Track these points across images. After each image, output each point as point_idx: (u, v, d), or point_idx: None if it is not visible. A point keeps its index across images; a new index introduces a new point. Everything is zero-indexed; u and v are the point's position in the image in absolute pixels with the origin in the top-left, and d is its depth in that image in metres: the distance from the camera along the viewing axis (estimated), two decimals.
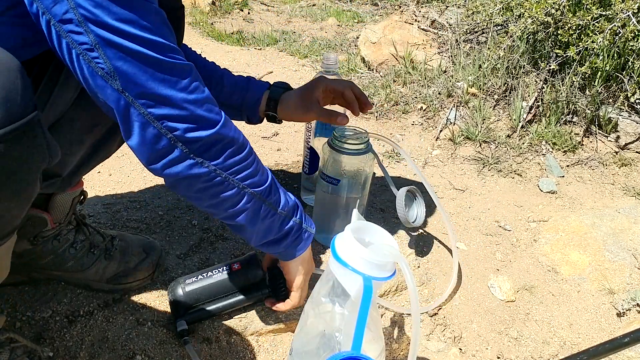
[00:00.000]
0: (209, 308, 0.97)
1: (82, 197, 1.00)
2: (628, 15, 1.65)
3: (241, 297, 0.98)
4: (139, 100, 0.66)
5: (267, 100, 1.10)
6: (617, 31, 1.67)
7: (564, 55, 1.75)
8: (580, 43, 1.70)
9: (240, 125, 1.74)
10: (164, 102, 0.67)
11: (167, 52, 0.67)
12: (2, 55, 0.59)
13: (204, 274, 0.98)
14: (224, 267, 0.99)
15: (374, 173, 1.40)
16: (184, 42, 0.99)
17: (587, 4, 1.74)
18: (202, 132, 0.70)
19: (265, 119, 1.14)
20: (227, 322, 1.00)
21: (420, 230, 1.29)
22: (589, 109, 1.76)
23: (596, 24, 1.70)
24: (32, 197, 0.67)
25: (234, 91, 1.11)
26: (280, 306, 0.97)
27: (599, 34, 1.66)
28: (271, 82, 1.14)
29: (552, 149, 1.73)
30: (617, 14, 1.66)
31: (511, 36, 1.91)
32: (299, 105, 1.07)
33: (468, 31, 2.21)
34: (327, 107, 1.10)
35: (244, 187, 0.78)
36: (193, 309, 0.96)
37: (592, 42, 1.66)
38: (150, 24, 0.64)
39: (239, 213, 0.80)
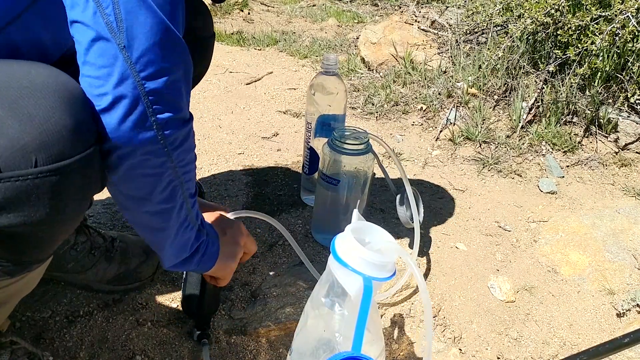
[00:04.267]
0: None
1: (89, 202, 1.00)
2: (627, 16, 1.65)
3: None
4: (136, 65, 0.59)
5: None
6: (617, 32, 1.67)
7: (564, 56, 1.75)
8: (580, 44, 1.70)
9: (240, 125, 1.74)
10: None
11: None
12: (70, 83, 0.58)
13: (184, 284, 0.97)
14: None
15: (374, 173, 1.40)
16: None
17: (587, 5, 1.74)
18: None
19: None
20: (227, 322, 1.00)
21: (420, 231, 1.29)
22: (589, 110, 1.76)
23: (596, 24, 1.70)
24: (78, 222, 0.67)
25: None
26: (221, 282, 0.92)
27: (599, 34, 1.66)
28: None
29: (552, 149, 1.73)
30: (615, 15, 1.66)
31: (511, 37, 1.91)
32: None
33: (468, 31, 2.21)
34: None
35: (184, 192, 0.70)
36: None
37: (592, 43, 1.66)
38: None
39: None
